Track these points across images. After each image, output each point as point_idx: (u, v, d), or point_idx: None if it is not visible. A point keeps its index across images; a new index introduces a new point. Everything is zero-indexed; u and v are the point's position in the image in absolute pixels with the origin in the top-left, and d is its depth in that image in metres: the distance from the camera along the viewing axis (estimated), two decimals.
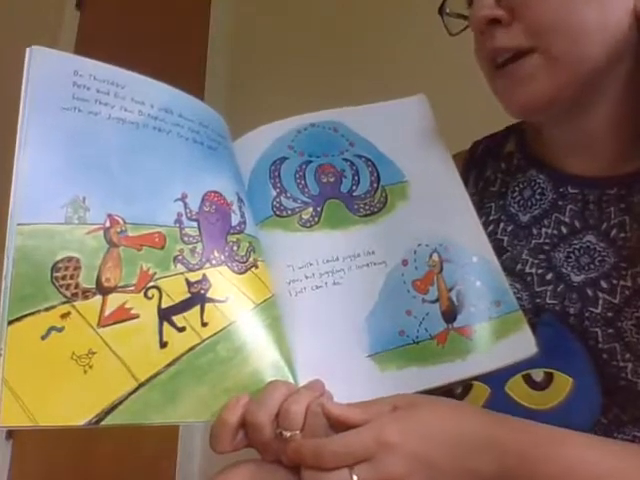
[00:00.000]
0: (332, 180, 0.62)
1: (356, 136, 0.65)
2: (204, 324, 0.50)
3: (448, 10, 0.65)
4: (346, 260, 0.58)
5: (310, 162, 0.63)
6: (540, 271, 0.61)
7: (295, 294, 0.57)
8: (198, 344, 0.49)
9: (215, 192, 0.56)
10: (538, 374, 0.57)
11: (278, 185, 0.61)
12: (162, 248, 0.51)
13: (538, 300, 0.60)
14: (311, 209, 0.61)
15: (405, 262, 0.58)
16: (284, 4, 2.16)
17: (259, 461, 0.49)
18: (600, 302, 0.57)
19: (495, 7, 0.57)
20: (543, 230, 0.63)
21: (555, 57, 0.55)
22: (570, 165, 0.64)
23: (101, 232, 0.49)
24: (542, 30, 0.55)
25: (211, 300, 0.51)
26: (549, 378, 0.57)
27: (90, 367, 0.45)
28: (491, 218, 0.67)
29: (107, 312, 0.47)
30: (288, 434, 0.46)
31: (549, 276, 0.60)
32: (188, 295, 0.51)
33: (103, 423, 0.44)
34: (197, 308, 0.51)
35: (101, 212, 0.49)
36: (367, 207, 0.61)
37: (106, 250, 0.48)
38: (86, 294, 0.47)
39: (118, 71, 0.55)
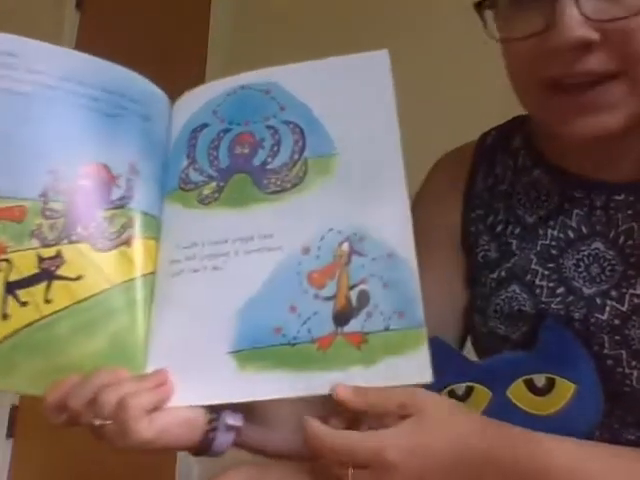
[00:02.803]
0: (246, 151, 0.56)
1: (290, 98, 0.57)
2: (47, 301, 0.50)
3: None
4: (235, 243, 0.53)
5: (229, 130, 0.57)
6: (551, 284, 0.59)
7: (172, 276, 0.53)
8: (37, 320, 0.50)
9: (98, 164, 0.54)
10: (540, 379, 0.56)
11: (191, 155, 0.57)
12: (21, 222, 0.51)
13: (542, 305, 0.59)
14: (214, 184, 0.55)
15: (306, 250, 0.51)
16: (284, 4, 2.16)
17: (259, 464, 0.50)
18: (607, 309, 0.56)
19: (586, 27, 0.51)
20: (549, 232, 0.61)
21: (635, 85, 0.52)
22: (578, 166, 0.62)
23: None
24: (630, 58, 0.52)
25: (60, 277, 0.51)
26: (551, 383, 0.55)
27: None
28: (499, 218, 0.65)
29: None
30: (98, 422, 0.47)
31: (560, 290, 0.59)
32: (37, 270, 0.51)
33: None
34: (44, 284, 0.50)
35: None
36: (279, 182, 0.54)
37: None
38: None
39: (16, 40, 0.55)
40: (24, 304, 0.50)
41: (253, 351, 0.49)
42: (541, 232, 0.62)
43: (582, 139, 0.56)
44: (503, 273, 0.62)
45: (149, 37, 2.12)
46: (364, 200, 0.52)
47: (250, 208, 0.54)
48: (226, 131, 0.57)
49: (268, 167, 0.55)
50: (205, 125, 0.58)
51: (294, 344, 0.49)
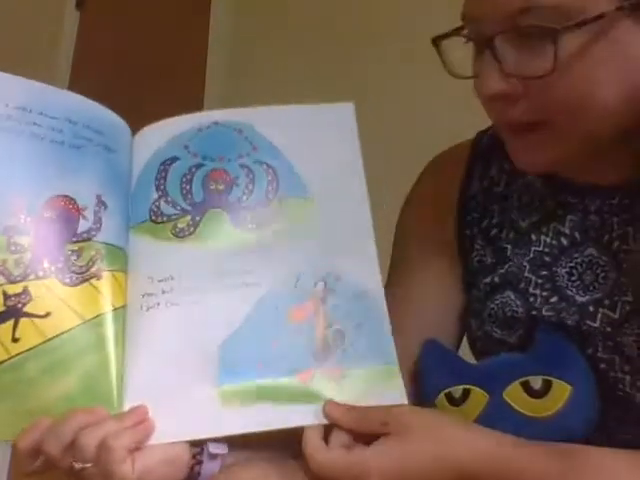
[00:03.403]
0: (221, 188, 0.57)
1: (262, 140, 0.58)
2: (15, 340, 0.49)
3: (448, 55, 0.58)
4: (214, 277, 0.53)
5: (202, 165, 0.57)
6: (544, 293, 0.59)
7: (147, 309, 0.52)
8: (5, 360, 0.48)
9: (64, 196, 0.53)
10: (536, 381, 0.55)
11: (161, 187, 0.57)
12: None
13: (534, 312, 0.58)
14: (189, 218, 0.56)
15: (284, 287, 0.54)
16: (284, 4, 2.17)
17: (261, 462, 0.50)
18: (599, 317, 0.56)
19: (506, 81, 0.51)
20: (542, 238, 0.61)
21: (562, 131, 0.53)
22: (571, 170, 0.61)
23: None
24: (552, 108, 0.52)
25: (28, 315, 0.49)
26: (547, 385, 0.55)
27: None
28: (494, 221, 0.64)
29: None
30: (79, 466, 0.45)
31: (553, 299, 0.59)
32: (3, 308, 0.49)
33: None
34: (10, 323, 0.49)
35: None
36: (255, 220, 0.56)
37: None
38: None
39: None
40: None
41: (237, 386, 0.50)
42: (534, 238, 0.61)
43: (532, 171, 0.60)
44: (497, 279, 0.61)
45: (149, 37, 2.12)
46: (337, 242, 0.55)
47: (228, 243, 0.55)
48: (199, 166, 0.58)
49: (243, 204, 0.57)
50: (175, 158, 0.58)
51: (275, 378, 0.51)
